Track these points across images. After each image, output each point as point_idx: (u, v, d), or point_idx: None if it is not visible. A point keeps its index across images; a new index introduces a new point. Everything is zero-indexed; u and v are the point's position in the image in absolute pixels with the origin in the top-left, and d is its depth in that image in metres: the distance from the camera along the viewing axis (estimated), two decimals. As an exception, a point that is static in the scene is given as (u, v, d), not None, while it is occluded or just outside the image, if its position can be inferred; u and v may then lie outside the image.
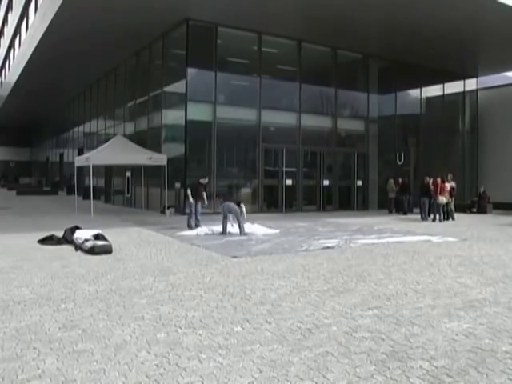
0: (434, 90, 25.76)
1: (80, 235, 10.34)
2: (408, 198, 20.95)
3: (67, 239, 10.74)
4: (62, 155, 41.97)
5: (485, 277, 7.65)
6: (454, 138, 26.93)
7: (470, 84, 27.12)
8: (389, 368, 4.00)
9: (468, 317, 5.43)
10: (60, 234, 11.06)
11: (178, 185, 19.06)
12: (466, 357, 4.26)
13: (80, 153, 30.53)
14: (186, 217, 14.63)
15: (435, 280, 7.39)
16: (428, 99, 25.56)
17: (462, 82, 26.73)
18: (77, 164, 20.57)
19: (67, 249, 10.14)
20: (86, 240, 9.93)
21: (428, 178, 18.74)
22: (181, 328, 4.99)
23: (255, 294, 6.45)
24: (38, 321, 5.18)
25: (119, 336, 4.73)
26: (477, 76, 26.82)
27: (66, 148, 39.73)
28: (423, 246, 11.14)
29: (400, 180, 21.47)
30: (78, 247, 9.98)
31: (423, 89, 25.15)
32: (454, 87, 26.51)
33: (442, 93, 25.91)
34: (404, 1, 16.03)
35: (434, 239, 12.11)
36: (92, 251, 9.42)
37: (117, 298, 6.14)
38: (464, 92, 27.10)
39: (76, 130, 36.17)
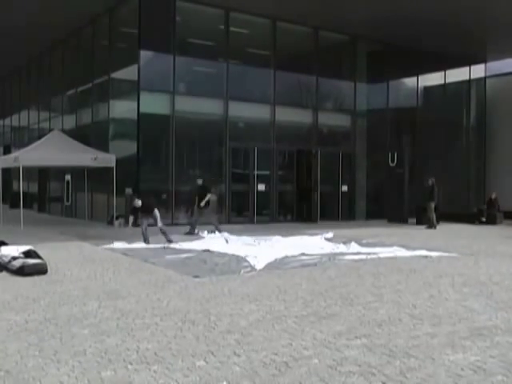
0: (433, 79, 26.07)
1: (6, 252, 10.13)
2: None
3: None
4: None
5: (495, 300, 7.75)
6: (458, 135, 27.30)
7: (477, 71, 27.36)
8: (381, 408, 4.02)
9: (476, 347, 5.48)
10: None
11: (128, 190, 18.90)
12: (473, 395, 4.30)
13: (6, 151, 30.08)
14: (138, 229, 14.61)
15: (435, 303, 7.47)
16: (426, 89, 25.93)
17: (467, 68, 27.00)
18: (2, 165, 20.21)
19: (-10, 269, 9.94)
20: (14, 258, 9.73)
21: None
22: (131, 363, 4.93)
23: (221, 320, 6.43)
24: (-49, 358, 5.05)
25: (54, 376, 4.62)
26: (485, 61, 27.12)
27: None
28: (420, 262, 11.26)
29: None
30: (3, 267, 9.75)
31: (421, 77, 25.47)
32: (457, 75, 26.77)
33: (443, 81, 26.26)
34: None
35: (434, 254, 12.27)
36: (21, 271, 9.25)
37: (52, 329, 6.03)
38: (470, 80, 27.41)
39: (1, 123, 35.54)
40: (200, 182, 16.85)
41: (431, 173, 21.14)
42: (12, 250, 10.20)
